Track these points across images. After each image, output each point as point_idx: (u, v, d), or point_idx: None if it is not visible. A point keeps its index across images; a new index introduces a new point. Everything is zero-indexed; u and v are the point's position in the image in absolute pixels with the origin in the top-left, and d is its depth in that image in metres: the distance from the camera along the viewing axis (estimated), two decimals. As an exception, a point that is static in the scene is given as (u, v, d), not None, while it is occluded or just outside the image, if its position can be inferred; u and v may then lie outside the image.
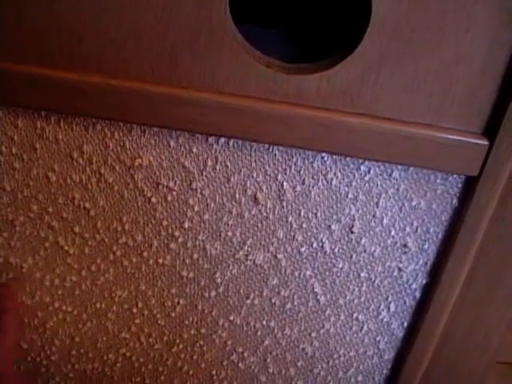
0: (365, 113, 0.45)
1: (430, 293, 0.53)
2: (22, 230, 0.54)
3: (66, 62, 0.45)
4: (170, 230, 0.52)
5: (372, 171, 0.48)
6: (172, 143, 0.48)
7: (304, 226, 0.51)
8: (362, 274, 0.53)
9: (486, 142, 0.45)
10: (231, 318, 0.57)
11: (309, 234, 0.51)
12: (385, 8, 0.40)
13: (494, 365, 0.59)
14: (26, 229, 0.54)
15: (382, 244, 0.51)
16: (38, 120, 0.48)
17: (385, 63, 0.42)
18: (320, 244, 0.52)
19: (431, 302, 0.53)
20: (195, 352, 0.61)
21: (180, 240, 0.53)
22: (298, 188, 0.49)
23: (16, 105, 0.47)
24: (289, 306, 0.56)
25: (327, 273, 0.54)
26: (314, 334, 0.58)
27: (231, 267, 0.54)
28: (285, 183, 0.49)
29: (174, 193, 0.50)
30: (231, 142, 0.47)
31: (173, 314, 0.58)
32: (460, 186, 0.48)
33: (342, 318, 0.57)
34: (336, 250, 0.52)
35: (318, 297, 0.55)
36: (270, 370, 0.61)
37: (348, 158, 0.47)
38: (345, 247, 0.52)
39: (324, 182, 0.48)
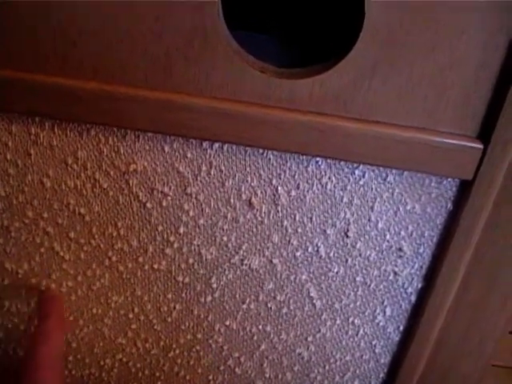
0: (359, 117, 0.45)
1: (426, 297, 0.53)
2: (18, 235, 0.54)
3: (59, 68, 0.45)
4: (165, 235, 0.52)
5: (367, 175, 0.48)
6: (166, 148, 0.48)
7: (299, 230, 0.51)
8: (358, 278, 0.53)
9: (480, 146, 0.45)
10: (227, 322, 0.57)
11: (304, 238, 0.51)
12: (378, 12, 0.40)
13: (490, 368, 0.59)
14: (21, 234, 0.54)
15: (377, 248, 0.51)
16: (32, 126, 0.48)
17: (378, 68, 0.43)
18: (315, 248, 0.52)
19: (426, 306, 0.53)
20: (192, 357, 0.61)
21: (175, 245, 0.53)
22: (293, 192, 0.49)
23: (10, 111, 0.47)
24: (285, 310, 0.56)
25: (323, 277, 0.54)
26: (310, 339, 0.58)
27: (227, 272, 0.54)
28: (279, 188, 0.49)
29: (169, 198, 0.50)
30: (225, 147, 0.47)
31: (169, 319, 0.58)
32: (455, 189, 0.48)
33: (338, 322, 0.56)
34: (331, 255, 0.52)
35: (314, 301, 0.55)
36: (267, 375, 0.61)
37: (342, 163, 0.47)
38: (340, 251, 0.52)
39: (319, 186, 0.49)
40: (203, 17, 0.41)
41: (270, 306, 0.56)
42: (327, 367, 0.60)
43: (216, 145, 0.47)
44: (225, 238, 0.52)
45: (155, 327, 0.59)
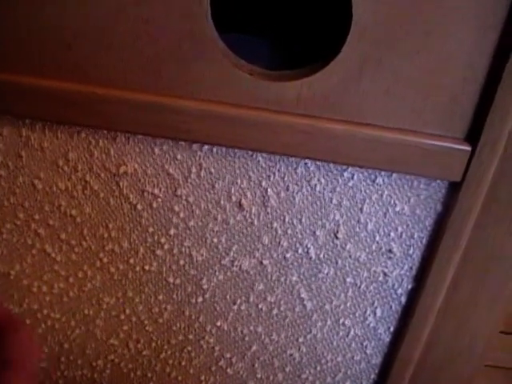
0: (347, 119, 0.45)
1: (416, 298, 0.53)
2: (9, 237, 0.54)
3: (50, 71, 0.45)
4: (155, 237, 0.52)
5: (355, 177, 0.48)
6: (156, 150, 0.48)
7: (289, 231, 0.51)
8: (348, 280, 0.54)
9: (468, 148, 0.45)
10: (218, 323, 0.58)
11: (294, 239, 0.51)
12: (365, 15, 0.40)
13: (481, 368, 0.59)
14: (12, 236, 0.54)
15: (367, 249, 0.52)
16: (23, 128, 0.48)
17: (366, 70, 0.43)
18: (305, 250, 0.52)
19: (416, 307, 0.53)
20: (183, 358, 0.61)
21: (166, 247, 0.53)
22: (282, 194, 0.49)
23: (1, 113, 0.47)
24: (275, 311, 0.56)
25: (313, 278, 0.54)
26: (301, 340, 0.58)
27: (217, 273, 0.54)
28: (269, 189, 0.49)
29: (159, 200, 0.50)
30: (215, 149, 0.47)
31: (160, 321, 0.58)
32: (443, 191, 0.48)
33: (329, 323, 0.57)
34: (321, 256, 0.52)
35: (305, 302, 0.55)
36: (258, 376, 0.61)
37: (331, 164, 0.47)
38: (330, 253, 0.52)
39: (308, 188, 0.49)
40: (191, 20, 0.42)
41: (260, 307, 0.56)
42: (318, 368, 0.60)
43: (205, 147, 0.48)
44: (215, 240, 0.52)
45: (147, 328, 0.59)
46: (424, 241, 0.51)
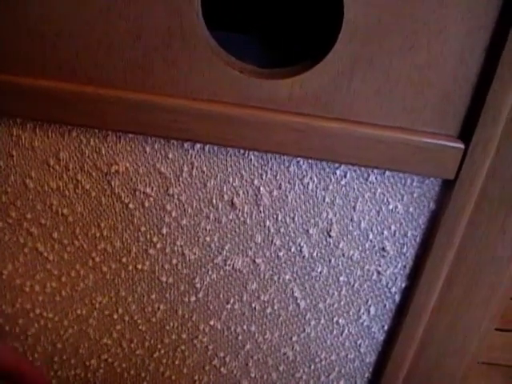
0: (339, 117, 0.45)
1: (409, 296, 0.53)
2: (1, 236, 0.54)
3: (39, 70, 0.44)
4: (148, 236, 0.52)
5: (348, 175, 0.48)
6: (148, 149, 0.48)
7: (282, 230, 0.51)
8: (341, 278, 0.53)
9: (461, 146, 0.45)
10: (212, 322, 0.57)
11: (287, 238, 0.51)
12: (356, 12, 0.40)
13: (476, 366, 0.59)
14: (4, 235, 0.54)
15: (360, 248, 0.51)
16: (14, 127, 0.48)
17: (357, 68, 0.42)
18: (298, 248, 0.52)
19: (410, 306, 0.53)
20: (177, 357, 0.61)
21: (158, 246, 0.53)
22: (275, 193, 0.49)
23: (-9, 112, 0.47)
24: (269, 310, 0.56)
25: (306, 277, 0.54)
26: (294, 338, 0.58)
27: (210, 272, 0.54)
28: (261, 188, 0.49)
29: (151, 199, 0.50)
30: (207, 148, 0.47)
31: (153, 320, 0.58)
32: (437, 189, 0.48)
33: (323, 321, 0.56)
34: (314, 254, 0.52)
35: (298, 301, 0.55)
36: (252, 375, 0.61)
37: (324, 163, 0.47)
38: (323, 251, 0.52)
39: (300, 186, 0.48)
40: (181, 17, 0.41)
41: (254, 306, 0.56)
42: (312, 367, 0.60)
43: (197, 145, 0.47)
44: (208, 239, 0.52)
45: (140, 327, 0.59)
46: (417, 239, 0.51)
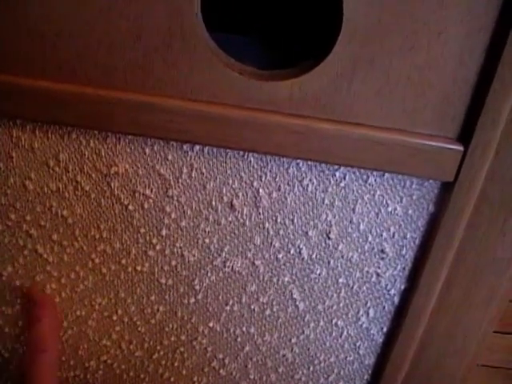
0: (338, 119, 0.45)
1: (409, 298, 0.53)
2: (1, 238, 0.54)
3: (39, 70, 0.44)
4: (147, 238, 0.52)
5: (347, 177, 0.48)
6: (147, 151, 0.48)
7: (281, 232, 0.51)
8: (341, 280, 0.53)
9: (460, 148, 0.45)
10: (211, 324, 0.57)
11: (286, 240, 0.51)
12: (356, 13, 0.40)
13: (475, 368, 0.59)
14: (4, 237, 0.54)
15: (359, 250, 0.51)
16: (14, 129, 0.48)
17: (357, 69, 0.43)
18: (297, 250, 0.52)
19: (410, 308, 0.53)
20: (176, 359, 0.61)
21: (158, 247, 0.53)
22: (274, 194, 0.49)
23: (-9, 114, 0.47)
24: (268, 312, 0.56)
25: (305, 279, 0.54)
26: (293, 340, 0.58)
27: (209, 274, 0.54)
28: (261, 190, 0.49)
29: (151, 200, 0.50)
30: (206, 150, 0.47)
31: (153, 321, 0.58)
32: (436, 191, 0.48)
33: (322, 323, 0.56)
34: (314, 256, 0.52)
35: (297, 303, 0.55)
36: (251, 377, 0.61)
37: (323, 165, 0.47)
38: (322, 253, 0.52)
39: (300, 188, 0.49)
40: (181, 18, 0.41)
41: (253, 308, 0.56)
42: (311, 368, 0.60)
43: (197, 147, 0.47)
44: (207, 240, 0.52)
45: (139, 329, 0.59)
46: (417, 241, 0.51)
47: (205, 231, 0.51)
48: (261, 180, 0.48)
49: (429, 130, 0.45)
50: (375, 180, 0.48)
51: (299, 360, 0.60)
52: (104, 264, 0.54)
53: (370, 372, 0.60)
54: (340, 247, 0.51)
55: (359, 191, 0.48)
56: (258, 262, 0.53)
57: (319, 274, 0.53)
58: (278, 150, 0.46)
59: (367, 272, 0.53)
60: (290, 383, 0.62)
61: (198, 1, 0.41)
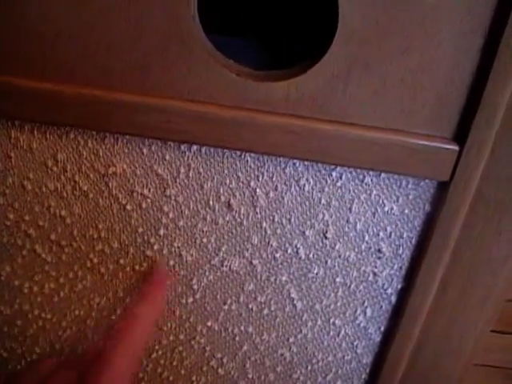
0: (335, 119, 0.45)
1: (406, 297, 0.54)
2: None
3: (38, 71, 0.45)
4: (145, 237, 0.52)
5: (344, 177, 0.48)
6: (145, 151, 0.48)
7: (278, 231, 0.51)
8: (338, 279, 0.54)
9: (456, 147, 0.45)
10: (209, 323, 0.58)
11: (283, 239, 0.52)
12: (352, 14, 0.41)
13: (471, 367, 0.59)
14: (3, 237, 0.54)
15: (356, 249, 0.52)
16: (12, 129, 0.48)
17: (353, 70, 0.43)
18: (295, 250, 0.52)
19: (406, 307, 0.53)
20: (174, 358, 0.61)
21: (156, 247, 0.53)
22: (271, 194, 0.49)
23: (-11, 114, 0.47)
24: (266, 311, 0.56)
25: (303, 278, 0.54)
26: (291, 340, 0.58)
27: (207, 273, 0.54)
28: (258, 189, 0.49)
29: (149, 200, 0.50)
30: (203, 150, 0.47)
31: (151, 321, 0.58)
32: (432, 191, 0.48)
33: (319, 323, 0.57)
34: (311, 256, 0.52)
35: (295, 302, 0.55)
36: (250, 376, 0.61)
37: (320, 164, 0.48)
38: (319, 253, 0.52)
39: (296, 188, 0.49)
40: (178, 20, 0.42)
41: (251, 307, 0.56)
42: (309, 368, 0.61)
43: (194, 147, 0.48)
44: (204, 240, 0.52)
45: (138, 328, 0.59)
46: (413, 240, 0.51)
47: (202, 231, 0.52)
48: (258, 180, 0.49)
49: (425, 130, 0.45)
50: (371, 180, 0.48)
51: (297, 359, 0.60)
52: (102, 264, 0.55)
53: (367, 371, 0.60)
54: (337, 247, 0.52)
55: (356, 191, 0.49)
56: (255, 262, 0.53)
57: (316, 274, 0.53)
58: (275, 150, 0.46)
59: (364, 271, 0.53)
60: (288, 382, 0.62)
61: (194, 4, 0.41)
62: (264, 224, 0.51)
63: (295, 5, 0.54)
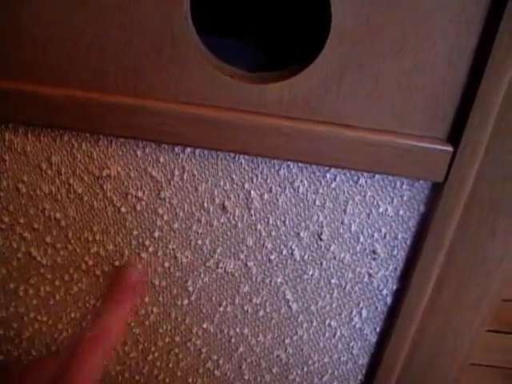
0: (328, 121, 0.45)
1: (401, 298, 0.54)
2: (-6, 241, 0.54)
3: (31, 74, 0.45)
4: (140, 240, 0.52)
5: (338, 178, 0.48)
6: (139, 153, 0.48)
7: (273, 233, 0.51)
8: (333, 281, 0.54)
9: (450, 148, 0.45)
10: (205, 325, 0.58)
11: (278, 241, 0.52)
12: (344, 16, 0.41)
13: (468, 367, 0.59)
14: (-2, 240, 0.54)
15: (351, 250, 0.52)
16: (6, 132, 0.48)
17: (346, 71, 0.43)
18: (290, 251, 0.52)
19: (402, 308, 0.53)
20: (170, 360, 0.61)
21: (151, 249, 0.53)
22: (266, 196, 0.49)
23: (-17, 118, 0.47)
24: (261, 313, 0.56)
25: (298, 280, 0.54)
26: (287, 341, 0.58)
27: (202, 275, 0.54)
28: (252, 191, 0.49)
29: (143, 202, 0.50)
30: (197, 152, 0.47)
31: (147, 323, 0.58)
32: (426, 192, 0.48)
33: (315, 324, 0.57)
34: (306, 257, 0.52)
35: (290, 304, 0.55)
36: (246, 377, 0.62)
37: (314, 166, 0.48)
38: (314, 254, 0.52)
39: (291, 189, 0.49)
40: (171, 21, 0.42)
41: (246, 309, 0.56)
42: (305, 369, 0.61)
43: (188, 149, 0.48)
44: (199, 242, 0.52)
45: (133, 330, 0.59)
46: (408, 242, 0.51)
47: (197, 233, 0.52)
48: (252, 182, 0.49)
49: (418, 131, 0.45)
50: (366, 181, 0.48)
51: (293, 360, 0.60)
52: (97, 266, 0.55)
53: (363, 372, 0.60)
54: (332, 248, 0.52)
55: (350, 192, 0.49)
56: (250, 264, 0.53)
57: (312, 275, 0.53)
58: (269, 151, 0.46)
59: (359, 272, 0.53)
60: (284, 384, 0.62)
61: (187, 4, 0.41)
62: (259, 226, 0.51)
63: (291, 6, 0.54)
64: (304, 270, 0.53)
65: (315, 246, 0.52)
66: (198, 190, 0.49)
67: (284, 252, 0.52)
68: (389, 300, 0.55)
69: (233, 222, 0.51)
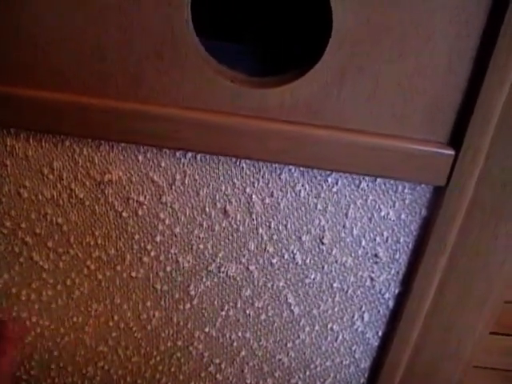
0: (329, 125, 0.45)
1: (403, 302, 0.53)
2: (-3, 246, 0.54)
3: (32, 79, 0.45)
4: (142, 244, 0.52)
5: (340, 182, 0.48)
6: (140, 158, 0.48)
7: (275, 237, 0.51)
8: (335, 285, 0.54)
9: (451, 152, 0.45)
10: (206, 329, 0.58)
11: (280, 245, 0.51)
12: (345, 21, 0.40)
13: (471, 370, 0.59)
14: (0, 245, 0.54)
15: (353, 254, 0.52)
16: (8, 137, 0.48)
17: (347, 76, 0.43)
18: (291, 255, 0.52)
19: (404, 311, 0.53)
20: (173, 364, 0.61)
21: (152, 253, 0.53)
22: (267, 200, 0.49)
23: (-16, 123, 0.47)
24: (263, 317, 0.56)
25: (300, 284, 0.54)
26: (289, 345, 0.58)
27: (204, 279, 0.54)
28: (253, 196, 0.49)
29: (145, 207, 0.50)
30: (199, 156, 0.47)
31: (149, 327, 0.58)
32: (428, 195, 0.48)
33: (317, 328, 0.57)
34: (307, 261, 0.52)
35: (292, 307, 0.55)
36: (248, 381, 0.61)
37: (315, 170, 0.48)
38: (316, 258, 0.52)
39: (292, 193, 0.49)
40: (172, 27, 0.42)
41: (248, 313, 0.56)
42: (308, 373, 0.60)
43: (189, 154, 0.48)
44: (201, 246, 0.52)
45: (135, 335, 0.59)
46: (410, 245, 0.51)
47: (199, 237, 0.52)
48: (253, 186, 0.49)
49: (420, 134, 0.45)
50: (367, 185, 0.48)
51: (295, 364, 0.60)
52: (99, 270, 0.55)
53: (366, 375, 0.60)
54: (334, 252, 0.52)
55: (352, 196, 0.49)
56: (252, 268, 0.53)
57: (313, 279, 0.53)
58: (270, 156, 0.46)
59: (361, 276, 0.53)
60: (286, 387, 0.62)
61: (187, 8, 0.41)
62: (260, 230, 0.51)
63: (292, 10, 0.54)
64: (306, 273, 0.53)
65: (317, 249, 0.52)
66: (200, 195, 0.49)
67: (286, 256, 0.52)
68: (391, 304, 0.55)
69: (234, 226, 0.51)
